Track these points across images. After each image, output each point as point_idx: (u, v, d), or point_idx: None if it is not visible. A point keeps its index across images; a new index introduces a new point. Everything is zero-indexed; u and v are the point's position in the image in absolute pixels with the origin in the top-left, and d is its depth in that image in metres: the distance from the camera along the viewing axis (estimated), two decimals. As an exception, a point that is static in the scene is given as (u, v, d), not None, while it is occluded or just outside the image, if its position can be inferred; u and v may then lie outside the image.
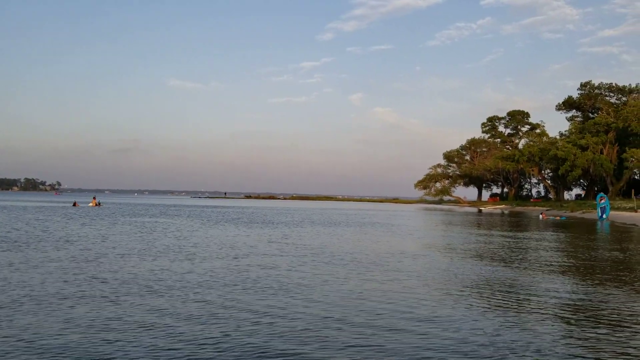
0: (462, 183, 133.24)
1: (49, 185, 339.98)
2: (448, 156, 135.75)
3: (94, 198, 76.72)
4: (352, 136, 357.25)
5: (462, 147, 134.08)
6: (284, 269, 15.43)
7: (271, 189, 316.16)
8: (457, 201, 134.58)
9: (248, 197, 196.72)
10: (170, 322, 9.07)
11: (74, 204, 68.78)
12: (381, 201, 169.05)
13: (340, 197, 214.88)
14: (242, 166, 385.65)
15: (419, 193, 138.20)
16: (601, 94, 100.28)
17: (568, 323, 9.53)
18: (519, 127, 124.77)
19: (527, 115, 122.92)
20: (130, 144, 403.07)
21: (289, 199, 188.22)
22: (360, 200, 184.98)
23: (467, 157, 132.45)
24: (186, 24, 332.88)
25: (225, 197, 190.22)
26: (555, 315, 10.17)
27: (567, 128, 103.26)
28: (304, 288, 12.47)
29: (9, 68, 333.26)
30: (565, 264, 18.22)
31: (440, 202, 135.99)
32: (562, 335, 8.68)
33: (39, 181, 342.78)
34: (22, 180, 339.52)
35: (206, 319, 9.35)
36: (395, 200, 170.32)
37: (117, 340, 7.93)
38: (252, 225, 36.12)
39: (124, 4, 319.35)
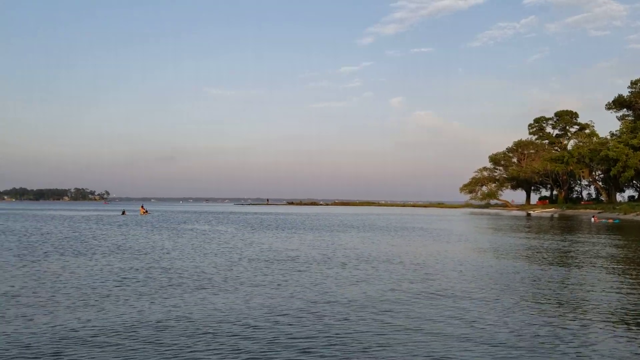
0: (509, 186, 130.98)
1: (98, 194, 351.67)
2: (494, 159, 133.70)
3: (142, 206, 79.40)
4: (393, 140, 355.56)
5: (509, 150, 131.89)
6: (329, 274, 16.00)
7: (313, 194, 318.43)
8: (505, 205, 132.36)
9: (290, 203, 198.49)
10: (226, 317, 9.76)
11: (123, 213, 71.31)
12: (425, 206, 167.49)
13: (383, 202, 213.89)
14: (284, 172, 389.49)
15: (465, 197, 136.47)
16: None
17: (619, 335, 9.75)
18: (567, 127, 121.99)
19: (575, 115, 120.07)
20: (174, 153, 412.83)
21: (331, 204, 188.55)
22: (404, 205, 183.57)
23: (514, 160, 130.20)
24: (224, 31, 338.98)
25: (267, 204, 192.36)
26: (605, 322, 10.38)
27: (618, 128, 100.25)
28: (350, 292, 13.02)
29: (66, 84, 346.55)
30: (619, 269, 18.16)
31: (487, 206, 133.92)
32: (611, 345, 8.93)
33: (88, 191, 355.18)
34: (72, 190, 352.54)
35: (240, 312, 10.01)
36: (440, 204, 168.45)
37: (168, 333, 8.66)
38: (295, 231, 36.86)
39: (163, 15, 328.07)
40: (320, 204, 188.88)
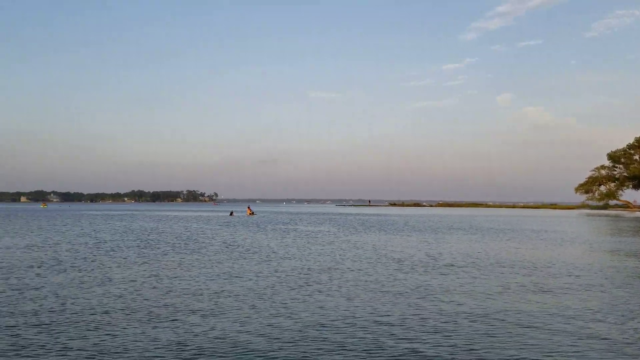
0: (630, 186, 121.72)
1: (208, 196, 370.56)
2: (613, 156, 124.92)
3: (249, 207, 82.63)
4: (501, 138, 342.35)
5: (630, 146, 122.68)
6: (434, 275, 15.91)
7: (416, 196, 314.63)
8: (626, 206, 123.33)
9: (392, 204, 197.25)
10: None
11: (231, 214, 74.60)
12: (537, 207, 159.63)
13: (491, 203, 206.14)
14: (386, 174, 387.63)
15: (581, 198, 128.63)
16: None
17: None
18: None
19: None
20: (277, 155, 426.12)
21: (435, 206, 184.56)
22: (513, 206, 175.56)
23: (636, 157, 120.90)
24: (324, 35, 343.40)
25: (369, 205, 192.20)
26: None
27: None
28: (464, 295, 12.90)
29: (169, 91, 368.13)
30: None
31: (606, 207, 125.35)
32: None
33: (199, 193, 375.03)
34: (184, 192, 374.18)
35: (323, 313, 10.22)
36: (554, 205, 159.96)
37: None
38: (398, 233, 36.73)
39: (266, 19, 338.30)
40: (424, 206, 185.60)
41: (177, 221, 53.53)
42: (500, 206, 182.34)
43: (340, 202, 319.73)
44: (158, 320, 9.83)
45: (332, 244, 26.88)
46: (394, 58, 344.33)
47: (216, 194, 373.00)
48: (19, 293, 12.42)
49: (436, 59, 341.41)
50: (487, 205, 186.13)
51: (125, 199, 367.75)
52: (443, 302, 11.69)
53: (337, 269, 17.05)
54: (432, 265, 18.15)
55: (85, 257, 19.85)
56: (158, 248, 23.71)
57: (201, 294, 12.41)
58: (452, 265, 18.03)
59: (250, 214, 75.11)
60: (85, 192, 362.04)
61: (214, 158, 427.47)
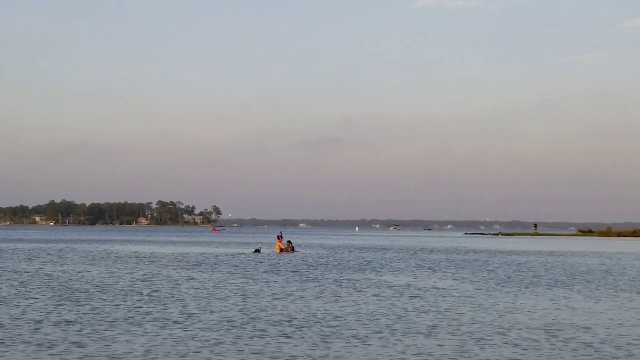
0: None
1: (201, 213, 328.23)
2: None
3: (280, 237, 53.98)
4: None
5: None
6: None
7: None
8: None
9: (585, 232, 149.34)
10: None
11: (257, 251, 50.19)
12: None
13: None
14: (570, 165, 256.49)
15: None
16: None
17: None
18: None
19: None
20: (342, 129, 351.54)
21: None
22: None
23: None
24: None
25: (535, 234, 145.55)
26: None
27: None
28: None
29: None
30: None
31: None
32: None
33: (184, 207, 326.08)
34: (153, 206, 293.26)
35: None
36: None
37: None
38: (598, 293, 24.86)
39: None
40: None
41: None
42: None
43: (474, 226, 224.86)
44: None
45: (454, 312, 17.37)
46: None
47: (217, 210, 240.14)
48: None
49: None
50: None
51: (38, 218, 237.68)
52: None
53: None
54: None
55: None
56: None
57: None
58: None
59: (282, 249, 51.90)
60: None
61: (213, 139, 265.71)
